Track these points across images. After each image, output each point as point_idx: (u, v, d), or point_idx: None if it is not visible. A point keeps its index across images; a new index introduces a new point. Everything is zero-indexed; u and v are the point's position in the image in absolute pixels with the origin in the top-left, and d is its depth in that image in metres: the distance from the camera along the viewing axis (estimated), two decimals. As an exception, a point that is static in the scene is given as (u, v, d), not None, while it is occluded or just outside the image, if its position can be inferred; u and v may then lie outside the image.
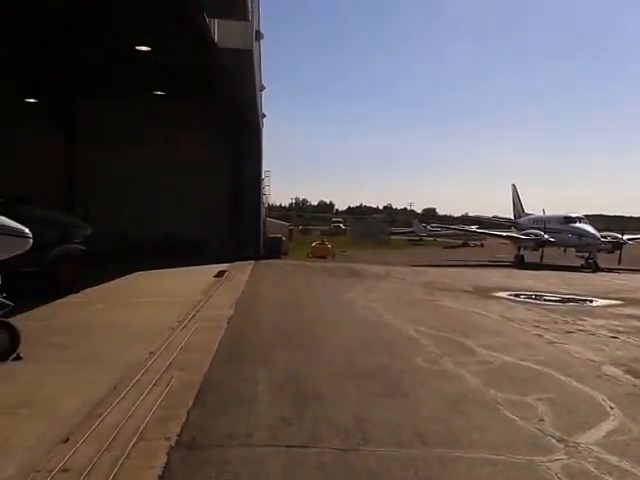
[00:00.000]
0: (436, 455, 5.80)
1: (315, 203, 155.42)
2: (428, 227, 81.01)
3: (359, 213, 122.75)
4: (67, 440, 5.94)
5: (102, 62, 22.74)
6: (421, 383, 8.41)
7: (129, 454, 5.63)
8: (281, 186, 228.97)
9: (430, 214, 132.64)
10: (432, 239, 72.55)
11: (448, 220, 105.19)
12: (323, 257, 37.44)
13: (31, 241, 9.89)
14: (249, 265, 28.36)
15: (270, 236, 35.73)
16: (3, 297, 9.36)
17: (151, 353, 9.76)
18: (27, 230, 9.80)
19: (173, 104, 31.03)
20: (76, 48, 21.71)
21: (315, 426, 6.55)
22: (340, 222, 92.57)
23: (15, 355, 9.28)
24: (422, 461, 5.65)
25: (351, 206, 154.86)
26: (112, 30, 20.83)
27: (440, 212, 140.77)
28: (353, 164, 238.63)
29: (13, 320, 9.61)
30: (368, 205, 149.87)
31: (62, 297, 16.25)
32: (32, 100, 28.95)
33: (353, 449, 5.94)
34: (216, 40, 22.06)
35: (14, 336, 9.31)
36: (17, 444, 5.92)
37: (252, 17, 24.13)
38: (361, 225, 74.13)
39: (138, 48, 22.80)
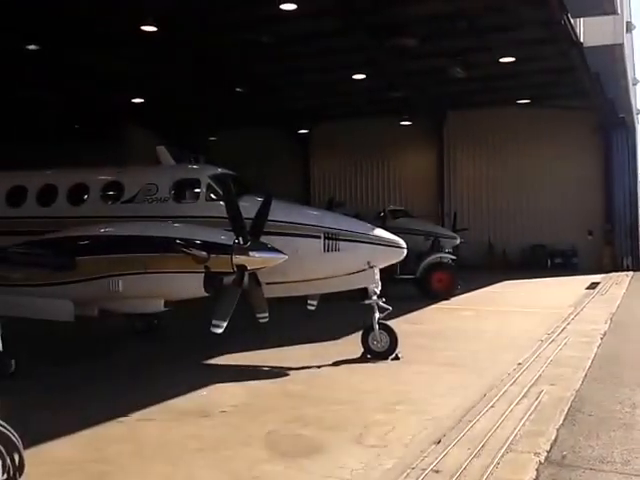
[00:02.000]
0: None
1: None
2: None
3: None
4: (439, 442, 6.26)
5: (468, 78, 23.45)
6: None
7: (498, 464, 5.67)
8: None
9: None
10: None
11: None
12: None
13: (405, 251, 10.73)
14: (626, 277, 25.99)
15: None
16: (383, 302, 10.35)
17: (519, 364, 9.68)
18: (402, 241, 10.67)
19: (534, 111, 30.32)
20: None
21: None
22: None
23: (394, 355, 10.20)
24: None
25: None
26: (476, 47, 21.37)
27: None
28: None
29: (391, 323, 10.59)
30: None
31: (433, 303, 17.28)
32: (406, 123, 31.36)
33: None
34: (582, 39, 20.92)
35: (393, 338, 10.25)
36: (394, 439, 6.44)
37: (622, 9, 22.21)
38: None
39: (502, 60, 22.96)
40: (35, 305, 9.07)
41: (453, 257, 20.03)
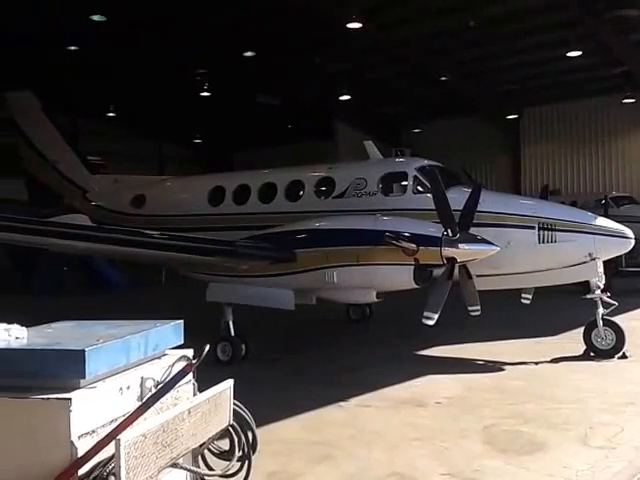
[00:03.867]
0: None
1: None
2: None
3: None
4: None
5: None
6: None
7: None
8: None
9: None
10: None
11: None
12: None
13: (632, 242, 9.84)
14: None
15: None
16: (607, 296, 9.60)
17: None
18: (628, 231, 9.80)
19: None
20: None
21: None
22: None
23: (621, 354, 9.43)
24: None
25: None
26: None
27: None
28: None
29: (617, 319, 9.78)
30: None
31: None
32: (629, 100, 28.58)
33: None
34: None
35: (620, 335, 9.48)
36: (624, 441, 6.03)
37: None
38: None
39: None
40: (261, 294, 9.76)
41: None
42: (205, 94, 26.21)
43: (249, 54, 21.85)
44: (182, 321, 4.19)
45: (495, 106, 30.48)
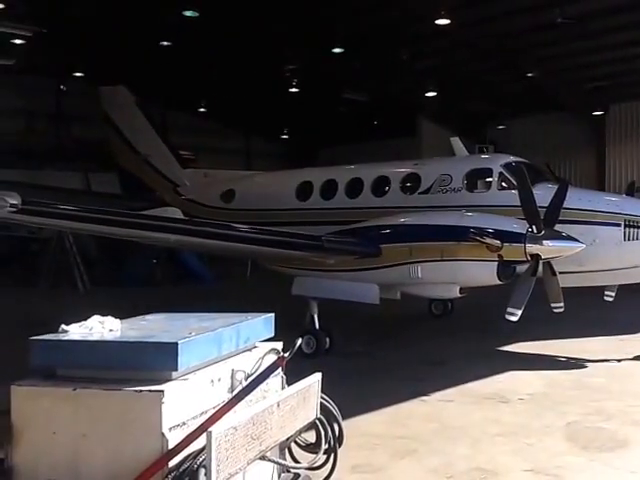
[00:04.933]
0: None
1: None
2: None
3: None
4: None
5: None
6: None
7: None
8: None
9: None
10: None
11: None
12: None
13: None
14: None
15: None
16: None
17: None
18: None
19: None
20: None
21: None
22: None
23: None
24: None
25: None
26: None
27: None
28: None
29: None
30: None
31: None
32: None
33: None
34: None
35: None
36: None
37: None
38: None
39: None
40: (346, 288, 9.98)
41: None
42: (294, 90, 26.76)
43: (337, 51, 22.21)
44: (273, 314, 4.31)
45: (581, 103, 29.67)
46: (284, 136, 36.89)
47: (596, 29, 20.60)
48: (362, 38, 21.13)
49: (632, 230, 9.61)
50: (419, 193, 11.75)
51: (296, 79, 25.90)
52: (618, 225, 9.71)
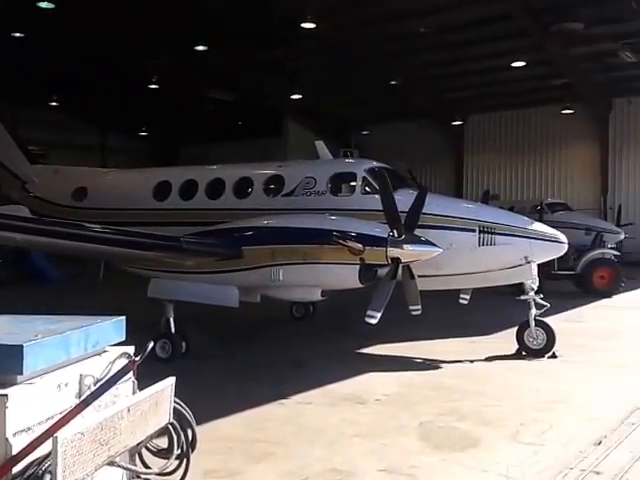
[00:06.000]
0: None
1: None
2: None
3: None
4: (600, 443, 6.05)
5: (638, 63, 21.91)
6: None
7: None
8: None
9: None
10: None
11: None
12: None
13: (566, 246, 10.33)
14: None
15: None
16: (540, 298, 10.04)
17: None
18: (562, 236, 10.27)
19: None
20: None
21: None
22: None
23: (551, 353, 9.89)
24: None
25: None
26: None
27: None
28: None
29: (549, 320, 10.25)
30: None
31: (594, 300, 16.43)
32: (568, 112, 29.62)
33: None
34: None
35: (550, 335, 9.93)
36: (552, 438, 6.30)
37: None
38: None
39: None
40: (204, 291, 9.70)
41: (617, 253, 18.86)
42: (154, 86, 25.88)
43: (201, 48, 21.71)
44: (124, 317, 4.15)
45: (441, 112, 31.19)
46: (143, 133, 35.62)
47: (457, 41, 21.63)
48: (226, 37, 20.77)
49: (486, 236, 10.01)
50: (282, 195, 11.60)
51: (156, 75, 25.07)
52: (473, 231, 10.08)
